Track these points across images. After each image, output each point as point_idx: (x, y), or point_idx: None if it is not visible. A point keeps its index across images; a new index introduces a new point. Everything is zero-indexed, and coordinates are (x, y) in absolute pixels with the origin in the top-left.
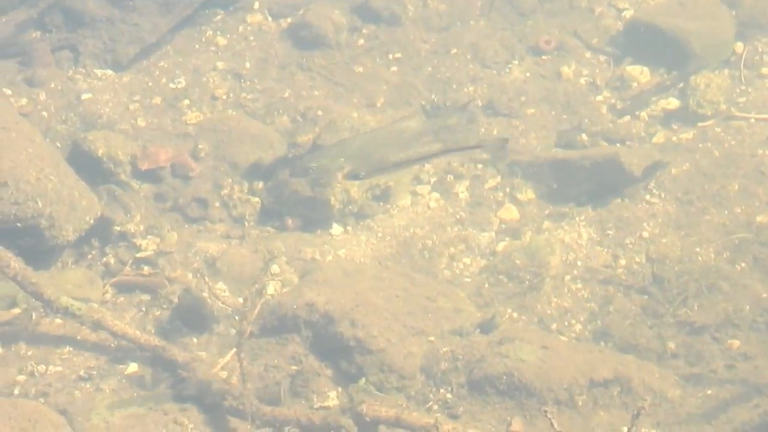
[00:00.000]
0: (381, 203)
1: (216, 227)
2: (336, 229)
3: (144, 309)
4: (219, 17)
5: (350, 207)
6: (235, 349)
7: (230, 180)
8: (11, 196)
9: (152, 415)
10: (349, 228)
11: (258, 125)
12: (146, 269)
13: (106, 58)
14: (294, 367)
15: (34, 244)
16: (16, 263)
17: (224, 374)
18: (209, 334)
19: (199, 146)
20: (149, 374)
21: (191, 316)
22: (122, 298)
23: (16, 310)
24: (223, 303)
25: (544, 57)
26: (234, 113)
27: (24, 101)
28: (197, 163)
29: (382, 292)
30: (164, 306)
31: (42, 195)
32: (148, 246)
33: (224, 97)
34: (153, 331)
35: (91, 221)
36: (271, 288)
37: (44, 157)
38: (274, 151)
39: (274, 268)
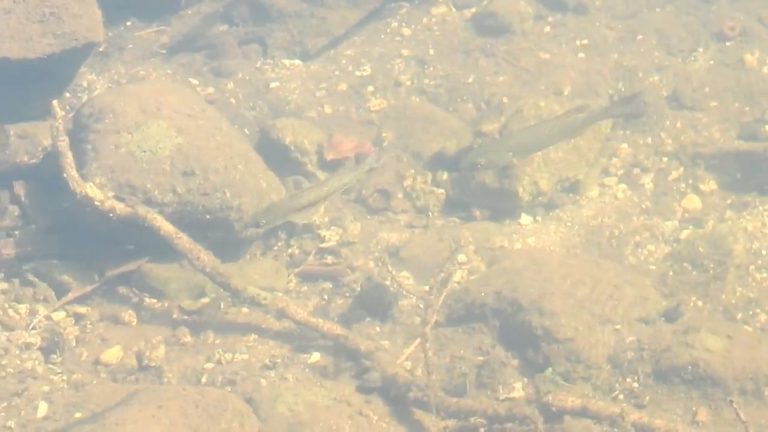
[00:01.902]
0: (570, 194)
1: (399, 217)
2: (525, 219)
3: (327, 297)
4: (404, 10)
5: (540, 198)
6: (418, 339)
7: (413, 171)
8: (200, 186)
9: (336, 406)
10: (538, 218)
11: (441, 113)
12: (329, 259)
13: (294, 50)
14: (480, 358)
15: (223, 236)
16: (205, 256)
17: (408, 365)
18: (392, 323)
19: (383, 135)
20: (332, 364)
21: (374, 304)
22: (305, 287)
23: (205, 300)
24: (406, 291)
25: (728, 44)
26: (417, 99)
27: (211, 89)
28: (381, 154)
29: (569, 279)
30: (347, 294)
31: (230, 185)
32: (332, 237)
33: (408, 83)
34: (335, 319)
35: None
36: (458, 276)
37: (232, 145)
38: (458, 140)
39: (461, 256)
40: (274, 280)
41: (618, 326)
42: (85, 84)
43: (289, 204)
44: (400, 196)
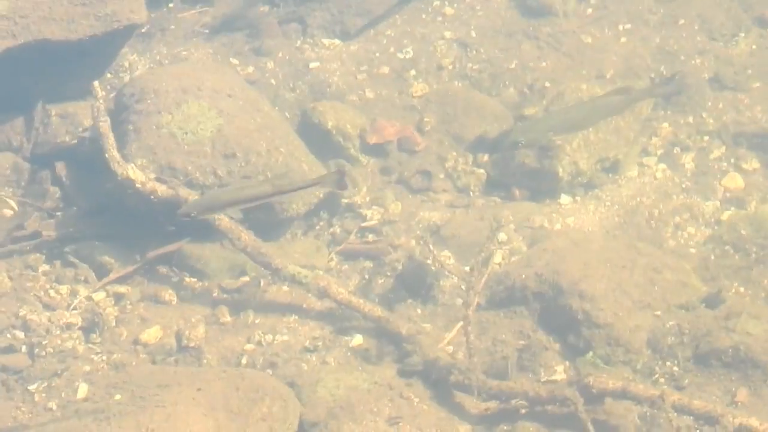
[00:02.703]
0: (609, 174)
1: (440, 197)
2: (564, 198)
3: (367, 276)
4: None
5: (579, 179)
6: (461, 323)
7: (455, 153)
8: (241, 168)
9: (377, 389)
10: (577, 198)
11: (483, 98)
12: (370, 237)
13: (334, 29)
14: (522, 342)
15: (265, 217)
16: (246, 235)
17: (450, 349)
18: (434, 304)
19: (425, 119)
20: (374, 347)
21: (415, 284)
22: (346, 266)
23: (245, 279)
24: (448, 271)
25: None
26: (460, 84)
27: (251, 69)
28: (422, 137)
29: (609, 263)
30: (388, 273)
31: (272, 167)
32: (374, 216)
33: (450, 67)
34: (377, 299)
35: (321, 195)
36: (498, 256)
37: (273, 128)
38: (499, 124)
39: (501, 236)
40: (314, 259)
41: (657, 312)
42: (126, 64)
43: (223, 198)
44: (441, 176)
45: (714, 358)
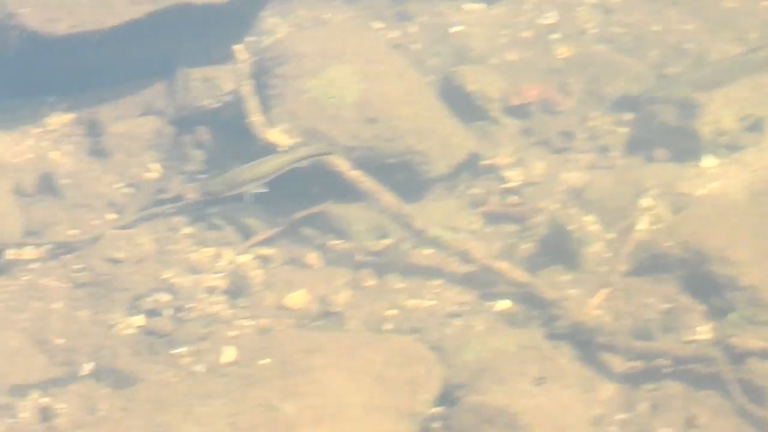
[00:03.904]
0: (753, 133)
1: (581, 157)
2: (706, 161)
3: (511, 240)
4: None
5: (722, 138)
6: (606, 288)
7: (596, 113)
8: (383, 132)
9: (523, 351)
10: (720, 159)
11: (626, 59)
12: (513, 199)
13: None
14: (666, 305)
15: (407, 179)
16: (388, 197)
17: (596, 312)
18: (578, 270)
19: (567, 81)
20: (520, 311)
21: (558, 247)
22: (489, 229)
23: (388, 241)
24: (590, 234)
25: None
26: (602, 47)
27: (394, 33)
28: (564, 98)
29: (755, 231)
30: (531, 237)
31: (414, 132)
32: (515, 177)
33: (592, 31)
34: (521, 262)
35: (463, 157)
36: (642, 223)
37: (416, 92)
38: (640, 84)
39: (645, 201)
40: (456, 221)
41: None
42: (267, 27)
43: (244, 174)
44: (582, 137)
45: None
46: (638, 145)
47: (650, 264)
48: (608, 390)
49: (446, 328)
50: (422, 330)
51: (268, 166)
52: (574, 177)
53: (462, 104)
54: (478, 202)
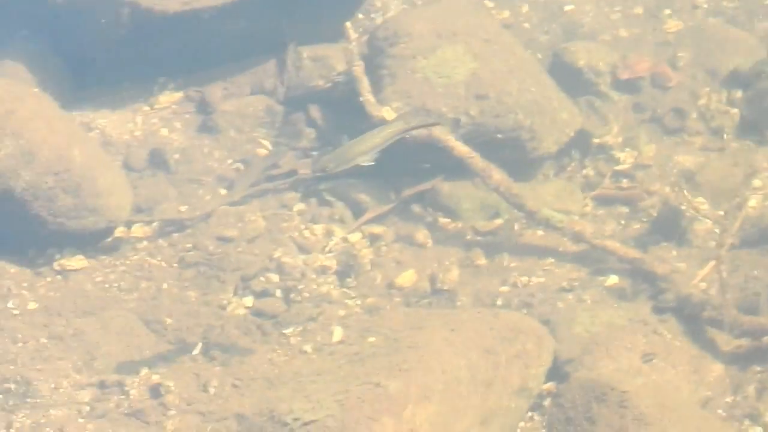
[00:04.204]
0: None
1: (693, 139)
2: None
3: (623, 222)
4: None
5: None
6: (714, 261)
7: (708, 89)
8: (492, 108)
9: (632, 325)
10: None
11: (737, 32)
12: (625, 182)
13: None
14: None
15: (515, 156)
16: (498, 174)
17: (703, 286)
18: (687, 246)
19: (678, 55)
20: (629, 286)
21: (669, 229)
22: (601, 211)
23: (499, 221)
24: (702, 216)
25: None
26: (714, 21)
27: (506, 13)
28: (675, 73)
29: None
30: (643, 219)
31: (523, 107)
32: (626, 159)
33: (705, 5)
34: (631, 242)
35: (571, 133)
36: (753, 201)
37: (525, 69)
38: (753, 58)
39: (756, 182)
40: (568, 203)
41: None
42: (378, 5)
43: (355, 148)
44: (694, 116)
45: None
46: (749, 127)
47: (759, 238)
48: (715, 370)
49: (557, 302)
50: (533, 305)
51: (377, 138)
52: (685, 159)
53: (572, 80)
54: (590, 184)
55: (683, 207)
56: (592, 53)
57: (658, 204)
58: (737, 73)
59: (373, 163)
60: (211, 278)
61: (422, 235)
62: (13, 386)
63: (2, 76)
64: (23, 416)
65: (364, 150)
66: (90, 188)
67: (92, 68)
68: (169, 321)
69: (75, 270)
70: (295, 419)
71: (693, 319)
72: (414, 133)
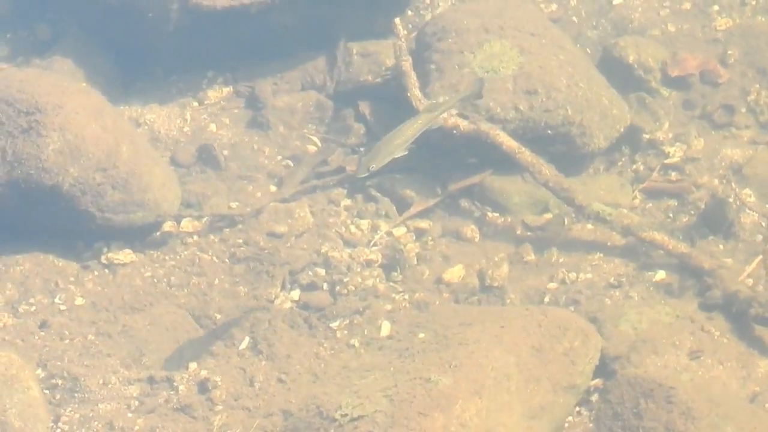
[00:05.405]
0: None
1: (742, 133)
2: None
3: (671, 215)
4: None
5: None
6: (760, 256)
7: (758, 86)
8: (542, 103)
9: (679, 323)
10: None
11: None
12: (673, 175)
13: None
14: None
15: (565, 151)
16: (547, 169)
17: (750, 282)
18: (735, 240)
19: (728, 52)
20: (677, 281)
21: (717, 223)
22: (650, 204)
23: (548, 216)
24: (750, 209)
25: None
26: (763, 19)
27: (554, 7)
28: (725, 70)
29: None
30: (691, 212)
31: (572, 102)
32: (676, 153)
33: (754, 3)
34: (679, 237)
35: (622, 129)
36: None
37: (574, 64)
38: None
39: None
40: (618, 196)
41: None
42: (427, 1)
43: (392, 143)
44: (743, 110)
45: None
46: None
47: None
48: (763, 366)
49: (605, 299)
50: (581, 302)
51: (410, 130)
52: (734, 153)
53: (621, 76)
54: (639, 178)
55: (730, 200)
56: (642, 49)
57: (706, 197)
58: None
59: (407, 153)
60: (261, 273)
61: (470, 230)
62: (60, 382)
63: (51, 71)
64: (71, 410)
65: (401, 143)
66: (138, 183)
67: (141, 63)
68: (218, 316)
69: (123, 264)
70: (343, 415)
71: (740, 315)
72: (461, 128)
